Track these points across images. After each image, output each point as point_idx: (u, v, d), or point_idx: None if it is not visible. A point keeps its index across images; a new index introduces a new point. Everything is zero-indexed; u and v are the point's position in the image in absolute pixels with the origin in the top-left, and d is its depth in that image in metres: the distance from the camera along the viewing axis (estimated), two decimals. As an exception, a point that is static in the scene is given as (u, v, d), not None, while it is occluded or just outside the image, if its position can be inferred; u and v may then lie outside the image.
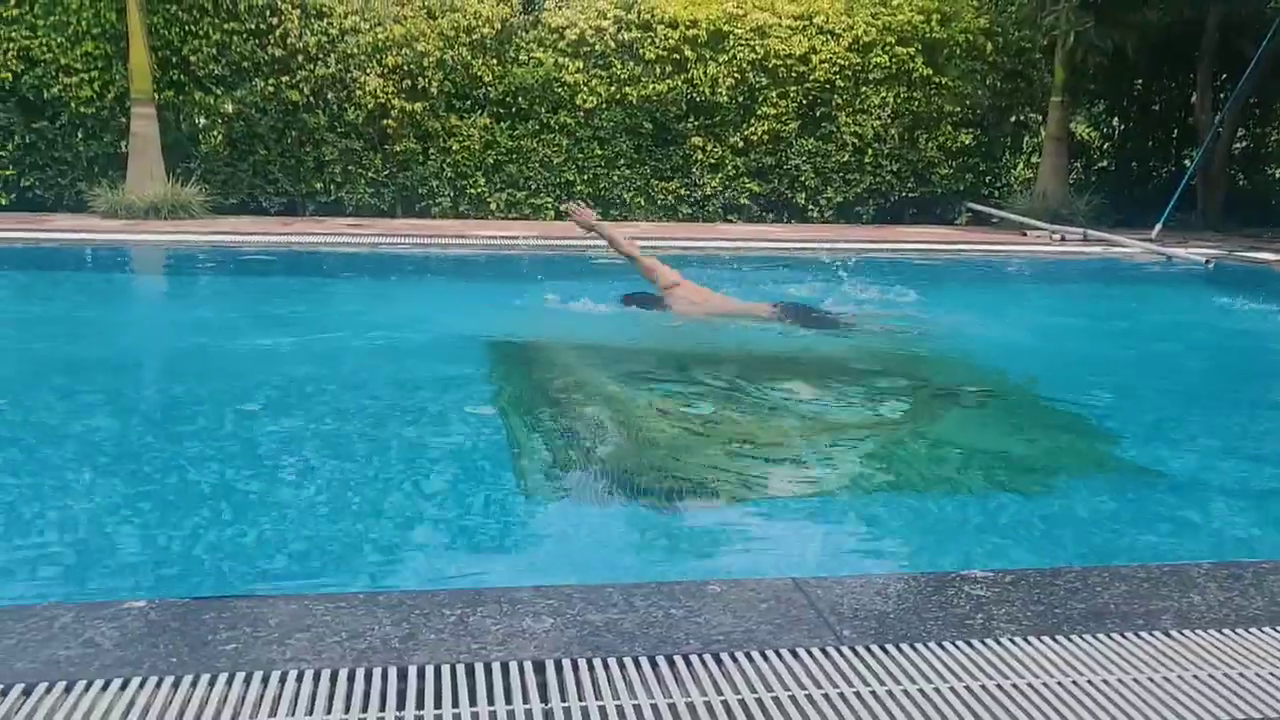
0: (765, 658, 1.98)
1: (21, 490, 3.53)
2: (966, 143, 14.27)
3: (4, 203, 12.44)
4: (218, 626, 2.11)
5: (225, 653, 2.00)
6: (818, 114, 13.96)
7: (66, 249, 9.98)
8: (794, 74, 13.70)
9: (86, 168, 12.53)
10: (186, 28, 12.48)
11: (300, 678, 1.91)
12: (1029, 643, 2.05)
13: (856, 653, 2.00)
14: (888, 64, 13.80)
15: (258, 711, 1.80)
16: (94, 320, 6.95)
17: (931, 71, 13.93)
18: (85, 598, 2.72)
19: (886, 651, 2.00)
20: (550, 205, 13.50)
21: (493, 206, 13.41)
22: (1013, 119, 15.11)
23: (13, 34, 12.01)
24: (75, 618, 2.16)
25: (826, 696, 1.84)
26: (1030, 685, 1.89)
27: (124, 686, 1.88)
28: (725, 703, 1.82)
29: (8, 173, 12.44)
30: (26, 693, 1.85)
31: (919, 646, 2.02)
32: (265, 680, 1.90)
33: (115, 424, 4.39)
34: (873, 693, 1.85)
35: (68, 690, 1.86)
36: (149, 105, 11.99)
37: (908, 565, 2.86)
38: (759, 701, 1.82)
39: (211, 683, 1.89)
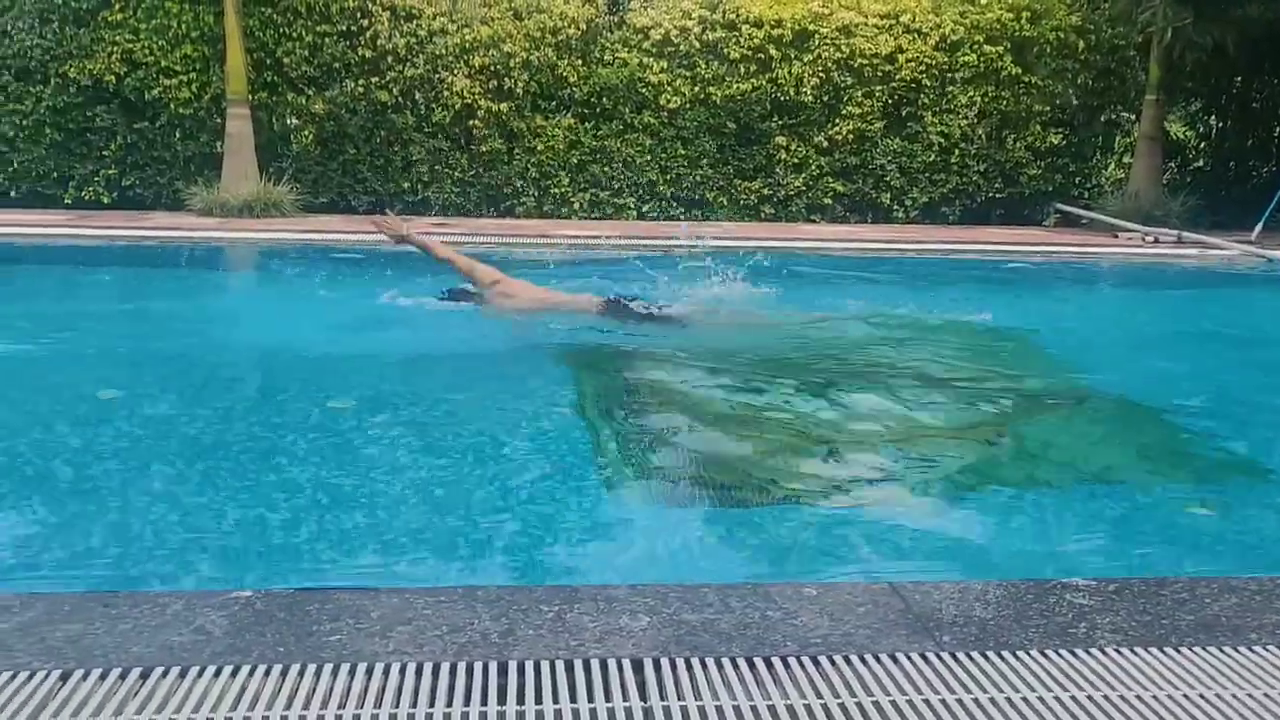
0: (864, 662, 1.97)
1: (129, 480, 3.64)
2: (1056, 142, 14.00)
3: (106, 201, 12.86)
4: (321, 618, 2.15)
5: (330, 644, 2.04)
6: (903, 113, 13.81)
7: (169, 246, 10.26)
8: (880, 73, 13.56)
9: (184, 167, 12.89)
10: (280, 30, 12.77)
11: (403, 670, 1.95)
12: (1135, 654, 2.01)
13: (956, 659, 1.98)
14: (975, 63, 13.59)
15: (363, 702, 1.84)
16: (196, 314, 7.12)
17: (1020, 70, 13.69)
18: (187, 586, 2.80)
19: (987, 658, 1.98)
20: (633, 205, 13.55)
21: (576, 206, 13.49)
22: (1104, 118, 14.77)
23: (117, 38, 12.41)
24: (186, 605, 2.23)
25: (927, 702, 1.82)
26: (1139, 698, 1.85)
27: (234, 673, 1.93)
28: (825, 706, 1.81)
29: (110, 172, 12.85)
30: (144, 676, 1.91)
31: (1020, 654, 2.00)
32: (369, 672, 1.94)
33: (219, 416, 4.51)
34: (975, 700, 1.83)
35: (182, 675, 1.92)
36: (244, 106, 12.30)
37: (1005, 571, 2.82)
38: (859, 706, 1.81)
39: (318, 673, 1.93)
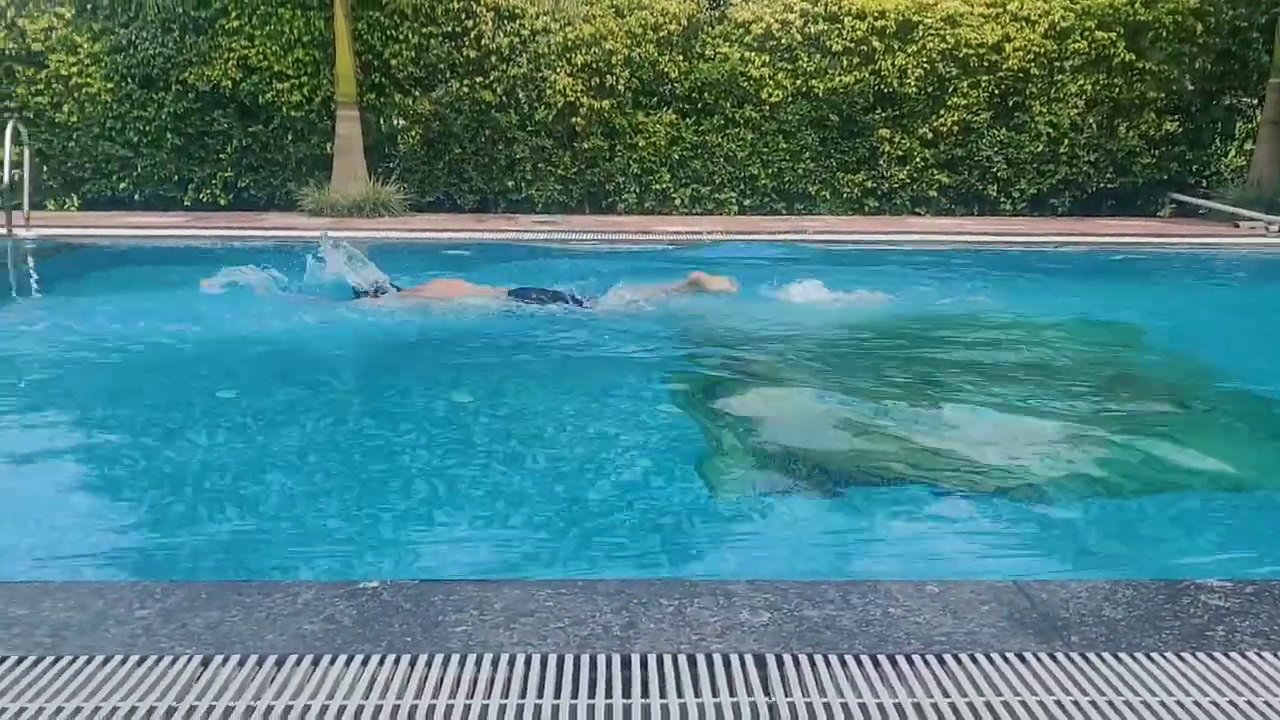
0: (990, 660, 1.94)
1: (255, 472, 3.76)
2: (1171, 130, 13.55)
3: (223, 202, 13.29)
4: (446, 609, 2.20)
5: (455, 634, 2.08)
6: (1010, 103, 13.51)
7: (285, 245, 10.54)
8: (986, 63, 13.29)
9: (295, 168, 13.25)
10: (388, 33, 13.04)
11: (528, 662, 1.97)
12: None
13: (1087, 659, 1.93)
14: (1086, 50, 13.23)
15: (489, 692, 1.87)
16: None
17: (1134, 56, 13.29)
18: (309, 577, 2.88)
19: (1119, 660, 1.93)
20: (734, 200, 13.51)
21: (677, 202, 13.50)
22: (1223, 103, 14.24)
23: (233, 44, 12.80)
24: (316, 595, 2.29)
25: (1059, 704, 1.79)
26: (1284, 703, 1.79)
27: (364, 662, 1.98)
28: (953, 705, 1.79)
29: (226, 174, 13.28)
30: (279, 663, 1.97)
31: (1155, 656, 1.94)
32: (494, 662, 1.97)
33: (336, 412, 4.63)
34: (1109, 702, 1.79)
35: (314, 663, 1.97)
36: (353, 108, 12.58)
37: (1132, 571, 2.75)
38: (987, 705, 1.79)
39: (445, 662, 1.97)
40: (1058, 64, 13.36)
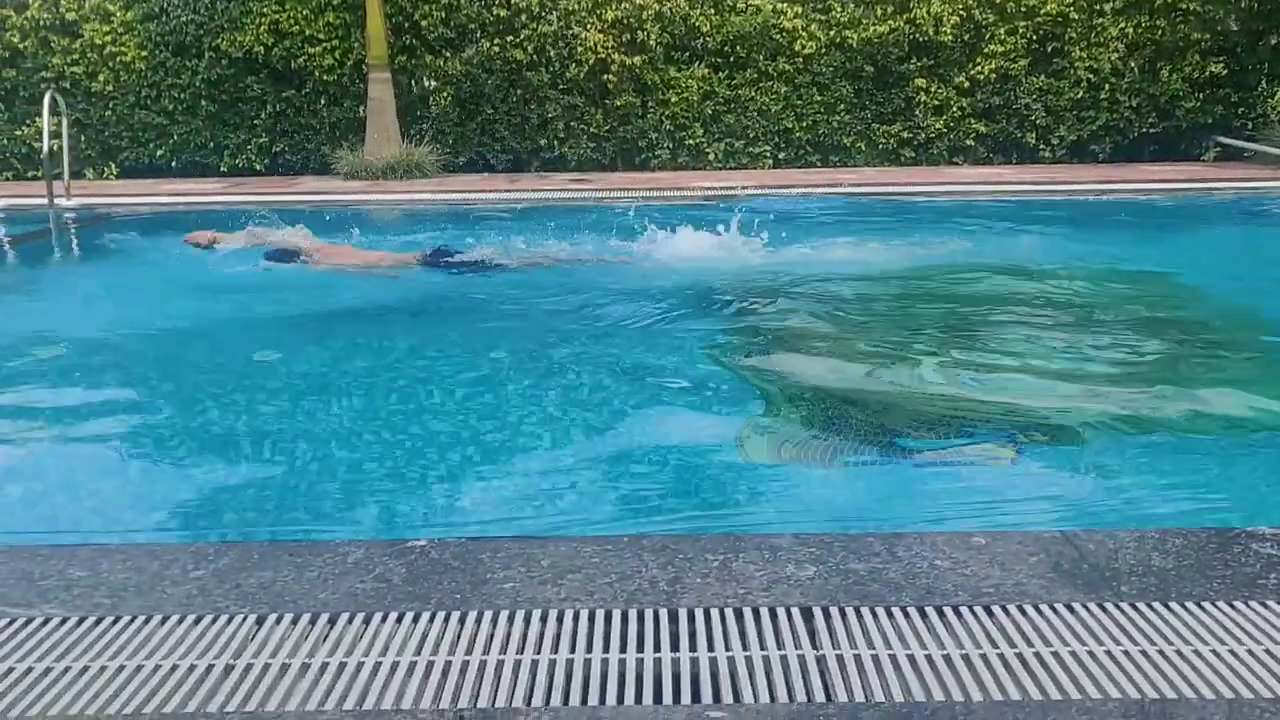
0: (1039, 612, 1.93)
1: (304, 430, 3.80)
2: (1216, 72, 13.23)
3: (259, 168, 13.35)
4: (494, 566, 2.22)
5: (504, 590, 2.11)
6: (1049, 49, 13.26)
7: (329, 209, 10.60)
8: (1023, 8, 13.04)
9: (329, 132, 13.27)
10: (417, -7, 12.98)
11: (575, 617, 1.99)
12: (1334, 606, 1.93)
13: (1138, 609, 1.93)
14: (1128, -9, 12.94)
15: (540, 647, 1.89)
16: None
17: (1177, -3, 12.98)
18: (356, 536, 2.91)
19: (1170, 609, 1.92)
20: (769, 154, 13.40)
21: (710, 157, 13.41)
22: (1270, 43, 13.89)
23: (264, 9, 12.80)
24: (365, 554, 2.32)
25: (1109, 654, 1.78)
26: (1339, 650, 1.78)
27: (415, 619, 2.00)
28: (1001, 656, 1.79)
29: (261, 140, 13.33)
30: (331, 621, 2.01)
31: (1206, 605, 1.93)
32: (543, 618, 1.99)
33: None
34: (1160, 651, 1.78)
35: (366, 621, 2.00)
36: (384, 70, 12.56)
37: (1181, 520, 2.73)
38: (1037, 656, 1.79)
39: (494, 619, 2.00)
40: (1097, 7, 13.08)
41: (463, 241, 7.37)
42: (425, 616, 2.01)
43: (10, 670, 1.83)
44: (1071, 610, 1.93)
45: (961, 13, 13.01)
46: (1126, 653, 1.78)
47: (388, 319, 5.77)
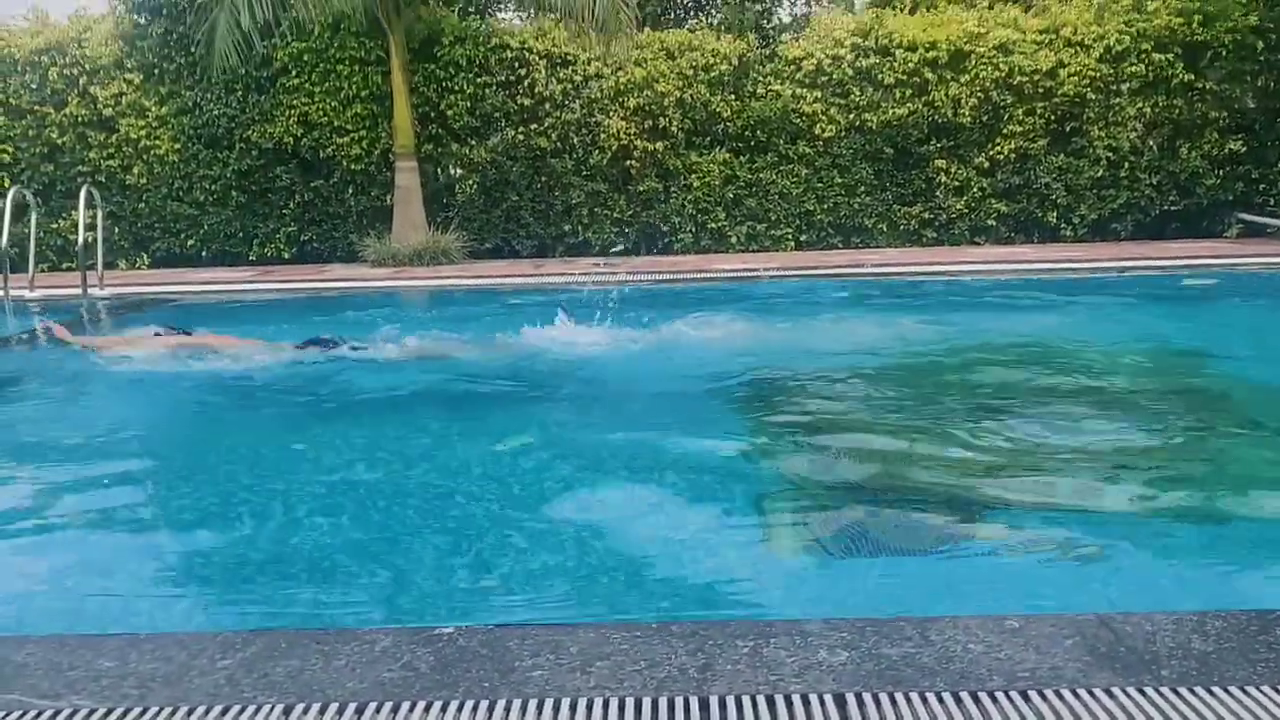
0: (1077, 696, 1.90)
1: (322, 519, 3.80)
2: (1235, 149, 13.31)
3: (287, 255, 13.57)
4: (522, 653, 2.20)
5: (533, 679, 2.08)
6: (1067, 129, 13.39)
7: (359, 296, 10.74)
8: (1040, 89, 13.20)
9: (357, 220, 13.50)
10: (443, 84, 13.27)
11: (605, 706, 1.97)
12: (1381, 690, 1.88)
13: (1179, 694, 1.89)
14: (1143, 73, 13.08)
15: (569, 736, 1.86)
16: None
17: (1193, 76, 13.11)
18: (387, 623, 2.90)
19: (1213, 694, 1.88)
20: (791, 236, 13.51)
21: (733, 240, 13.53)
22: (1288, 121, 13.99)
23: (294, 101, 13.12)
24: (393, 642, 2.31)
25: (1152, 740, 1.75)
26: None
27: (444, 708, 1.98)
28: (1040, 743, 1.75)
29: (290, 229, 13.57)
30: (359, 711, 1.99)
31: (1250, 690, 1.89)
32: (573, 707, 1.96)
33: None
34: (1204, 738, 1.74)
35: (394, 710, 1.98)
36: (411, 159, 12.81)
37: (1220, 602, 2.68)
38: (1077, 743, 1.75)
39: (523, 708, 1.97)
40: (1114, 88, 13.22)
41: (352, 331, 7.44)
42: (454, 705, 1.99)
43: (38, 763, 1.82)
44: (1111, 695, 1.90)
45: (979, 94, 13.17)
46: (1170, 739, 1.75)
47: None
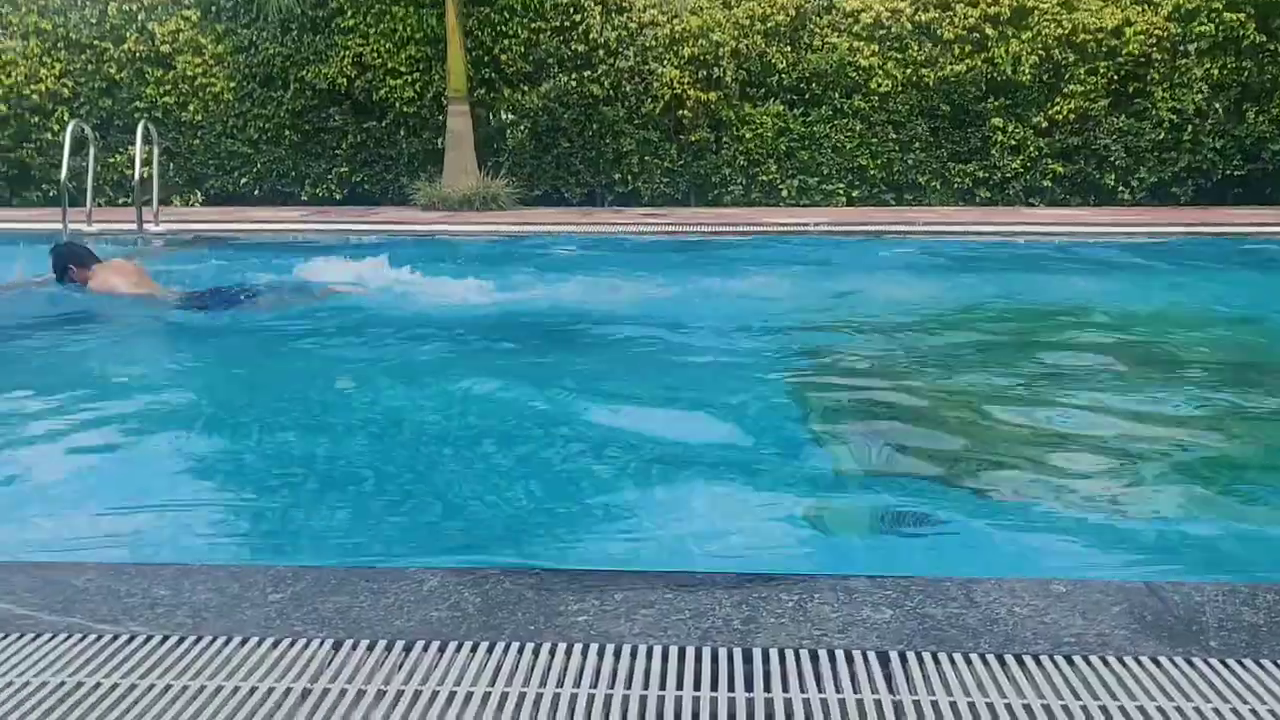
0: (1123, 664, 1.89)
1: (370, 460, 3.84)
2: (1305, 114, 12.96)
3: (339, 197, 13.65)
4: (568, 598, 2.22)
5: (578, 624, 2.10)
6: (1130, 90, 13.09)
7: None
8: (1104, 48, 12.90)
9: (408, 163, 13.53)
10: (498, 28, 13.22)
11: (649, 653, 1.98)
12: None
13: (1228, 666, 1.87)
14: (1213, 32, 12.73)
15: (613, 682, 1.88)
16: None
17: (1265, 37, 12.74)
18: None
19: (1262, 667, 1.86)
20: (843, 191, 13.37)
21: (784, 193, 13.41)
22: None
23: (349, 42, 13.14)
24: (441, 582, 2.33)
25: (1198, 710, 1.73)
26: None
27: (490, 649, 2.01)
28: (1085, 708, 1.74)
29: (342, 170, 13.63)
30: (407, 649, 2.02)
31: (1301, 665, 1.87)
32: (616, 653, 1.98)
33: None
34: (1252, 711, 1.73)
35: (441, 650, 2.01)
36: (463, 103, 12.79)
37: (1271, 574, 2.65)
38: (1121, 709, 1.74)
39: (568, 651, 1.99)
40: (1181, 48, 12.90)
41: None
42: (500, 646, 2.02)
43: (98, 685, 1.87)
44: (1157, 664, 1.88)
45: (1040, 52, 12.90)
46: (1217, 711, 1.73)
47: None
